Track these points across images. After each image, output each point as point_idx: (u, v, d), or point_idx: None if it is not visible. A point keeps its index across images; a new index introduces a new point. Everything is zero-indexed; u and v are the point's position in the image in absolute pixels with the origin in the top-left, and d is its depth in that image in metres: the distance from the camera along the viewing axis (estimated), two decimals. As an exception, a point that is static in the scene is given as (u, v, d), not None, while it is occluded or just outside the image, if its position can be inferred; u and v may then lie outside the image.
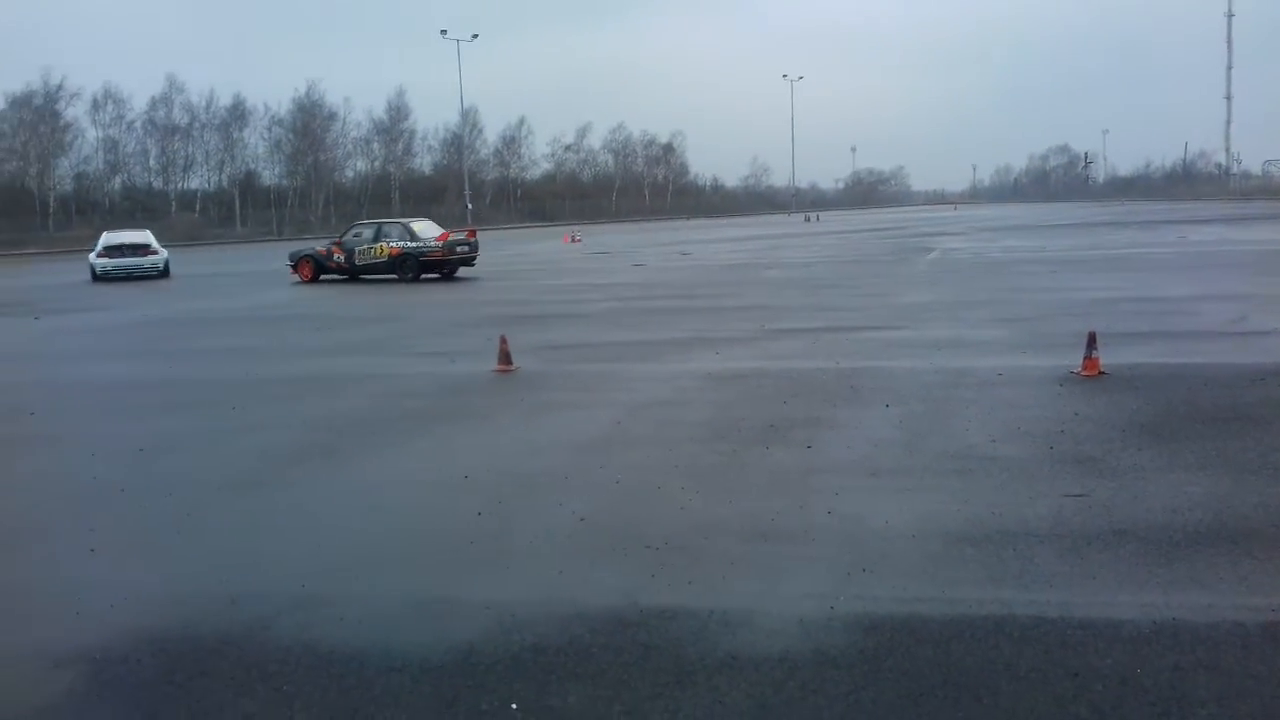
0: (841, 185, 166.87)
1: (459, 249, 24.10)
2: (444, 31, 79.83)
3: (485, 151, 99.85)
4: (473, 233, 25.83)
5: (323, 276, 24.16)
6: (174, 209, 73.12)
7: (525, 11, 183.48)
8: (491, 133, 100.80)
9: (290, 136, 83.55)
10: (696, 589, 4.15)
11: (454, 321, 14.83)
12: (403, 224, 24.59)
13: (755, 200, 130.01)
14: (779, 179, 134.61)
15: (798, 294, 17.12)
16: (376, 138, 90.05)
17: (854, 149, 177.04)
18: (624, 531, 4.93)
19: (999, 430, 6.67)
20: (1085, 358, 8.48)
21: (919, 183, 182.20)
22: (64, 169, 72.90)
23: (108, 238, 29.94)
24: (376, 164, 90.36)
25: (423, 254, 23.35)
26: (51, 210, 67.16)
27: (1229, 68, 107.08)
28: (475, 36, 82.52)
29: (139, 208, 68.51)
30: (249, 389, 9.63)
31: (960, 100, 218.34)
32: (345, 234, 24.84)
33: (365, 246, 23.74)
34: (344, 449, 6.95)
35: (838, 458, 6.18)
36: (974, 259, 24.81)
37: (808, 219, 77.47)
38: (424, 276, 23.38)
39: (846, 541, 4.64)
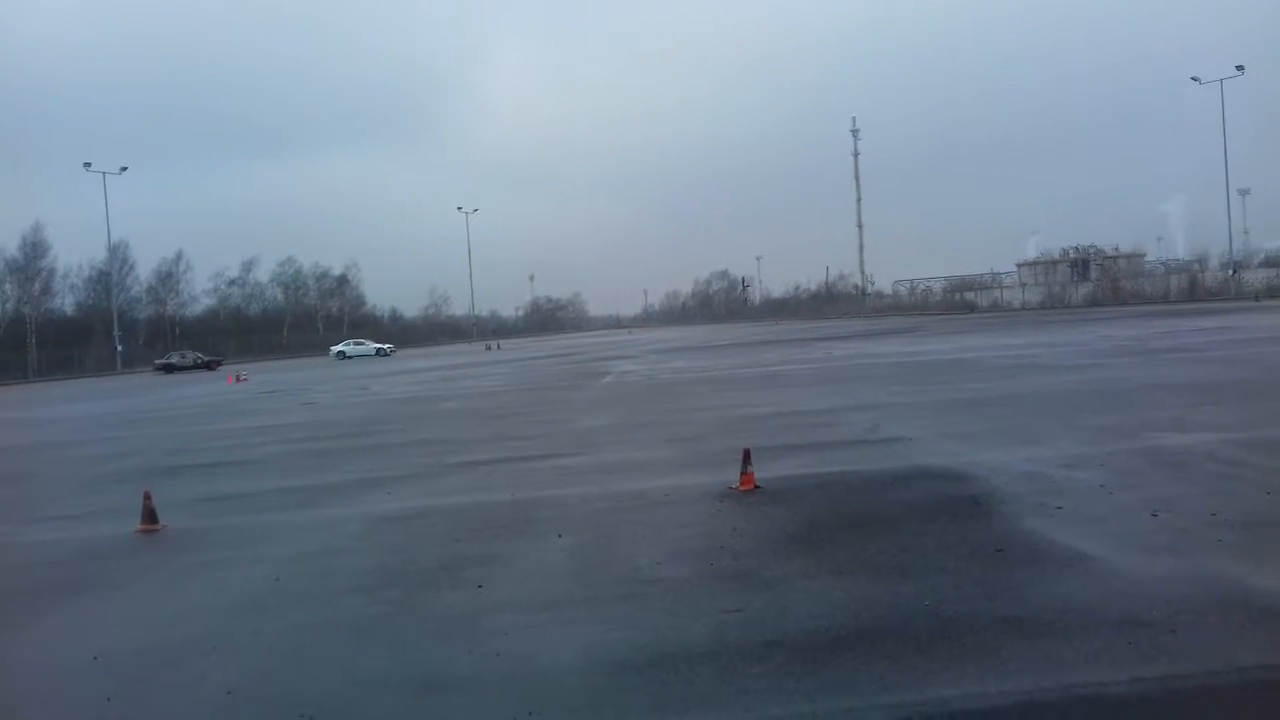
0: (522, 313, 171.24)
1: None
2: (88, 164, 74.86)
3: (138, 289, 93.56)
4: None
5: None
6: None
7: (177, 144, 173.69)
8: (145, 268, 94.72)
9: (-102, 276, 73.92)
10: (353, 759, 3.86)
11: (94, 477, 13.37)
12: None
13: (436, 330, 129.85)
14: (459, 308, 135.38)
15: (475, 424, 17.05)
16: (9, 277, 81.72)
17: (532, 277, 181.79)
18: (277, 700, 4.55)
19: (664, 552, 6.87)
20: (741, 473, 9.01)
21: (595, 308, 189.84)
22: None
23: None
24: (9, 305, 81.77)
25: None
26: None
27: (858, 200, 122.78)
28: (124, 169, 78.07)
29: None
30: None
31: (630, 231, 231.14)
32: None
33: None
34: (-60, 641, 5.96)
35: (509, 595, 6.09)
36: (645, 381, 25.98)
37: (489, 347, 78.25)
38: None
39: (514, 684, 4.53)
